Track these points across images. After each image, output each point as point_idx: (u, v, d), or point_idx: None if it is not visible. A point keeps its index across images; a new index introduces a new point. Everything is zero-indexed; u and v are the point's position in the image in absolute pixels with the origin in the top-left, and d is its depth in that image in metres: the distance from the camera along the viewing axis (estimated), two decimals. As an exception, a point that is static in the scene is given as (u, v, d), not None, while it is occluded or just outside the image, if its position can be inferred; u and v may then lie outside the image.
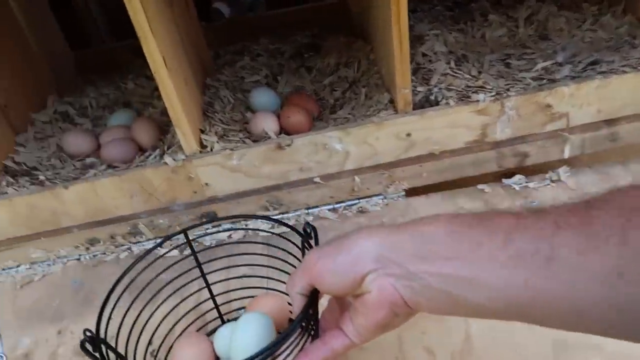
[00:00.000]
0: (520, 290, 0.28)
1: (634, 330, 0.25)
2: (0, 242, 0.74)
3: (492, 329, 0.53)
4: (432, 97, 0.68)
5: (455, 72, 0.71)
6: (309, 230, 0.49)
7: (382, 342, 0.54)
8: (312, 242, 0.49)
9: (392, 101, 0.70)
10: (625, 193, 0.26)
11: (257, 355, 0.39)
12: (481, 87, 0.67)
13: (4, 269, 0.77)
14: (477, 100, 0.66)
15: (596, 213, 0.26)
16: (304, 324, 0.44)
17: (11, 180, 0.73)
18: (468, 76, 0.70)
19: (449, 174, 0.73)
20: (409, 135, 0.68)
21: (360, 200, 0.75)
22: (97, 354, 0.42)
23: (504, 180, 0.74)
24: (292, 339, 0.43)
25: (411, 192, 0.75)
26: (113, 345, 0.50)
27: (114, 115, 0.88)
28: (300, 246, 0.51)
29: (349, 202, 0.75)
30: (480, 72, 0.71)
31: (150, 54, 0.58)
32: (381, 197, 0.75)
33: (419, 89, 0.70)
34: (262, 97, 0.79)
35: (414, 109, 0.67)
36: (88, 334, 0.43)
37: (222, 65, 0.93)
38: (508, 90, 0.67)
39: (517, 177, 0.73)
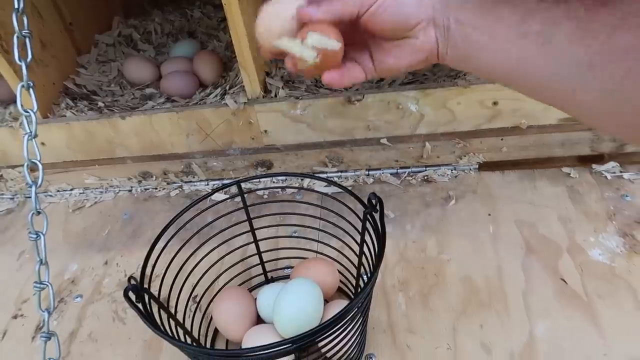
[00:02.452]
0: (515, 63, 0.32)
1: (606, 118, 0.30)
2: (56, 164, 0.74)
3: (560, 334, 0.48)
4: (530, 64, 0.59)
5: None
6: (374, 202, 0.44)
7: (435, 328, 0.50)
8: (377, 215, 0.44)
9: (481, 63, 0.62)
10: None
11: (306, 335, 0.36)
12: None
13: (58, 191, 0.78)
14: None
15: (603, 10, 0.27)
16: (358, 307, 0.40)
17: (70, 103, 0.72)
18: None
19: (533, 151, 0.65)
20: (495, 103, 0.60)
21: (428, 169, 0.68)
22: (139, 305, 0.40)
23: (595, 166, 0.65)
24: (346, 319, 0.39)
25: (485, 167, 0.68)
26: (157, 285, 0.49)
27: (177, 45, 0.84)
28: (361, 217, 0.47)
29: (415, 169, 0.69)
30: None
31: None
32: (451, 167, 0.68)
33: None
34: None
35: (506, 74, 0.59)
36: (132, 282, 0.41)
37: (295, 1, 0.86)
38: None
39: (611, 165, 0.65)
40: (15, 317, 0.60)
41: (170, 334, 0.44)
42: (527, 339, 0.48)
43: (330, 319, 0.37)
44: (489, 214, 0.62)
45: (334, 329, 0.38)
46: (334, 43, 0.34)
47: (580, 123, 0.62)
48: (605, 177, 0.64)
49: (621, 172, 0.64)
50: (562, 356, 0.47)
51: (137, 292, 0.41)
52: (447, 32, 0.35)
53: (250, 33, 0.59)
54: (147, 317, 0.40)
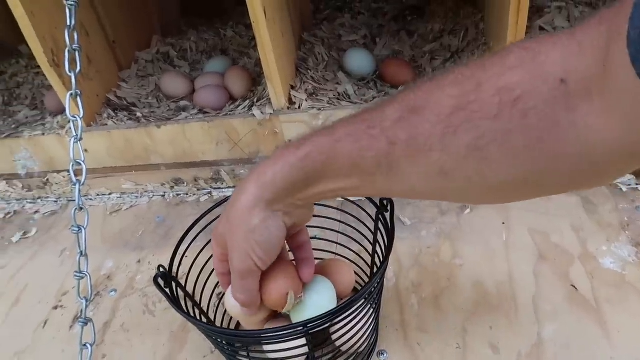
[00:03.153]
0: (374, 193, 0.36)
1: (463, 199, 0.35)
2: (97, 169, 0.80)
3: (568, 336, 0.49)
4: (543, 78, 0.61)
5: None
6: (385, 203, 0.47)
7: (446, 327, 0.52)
8: (387, 215, 0.47)
9: (495, 77, 0.64)
10: (442, 90, 0.28)
11: (318, 318, 0.39)
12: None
13: (98, 195, 0.84)
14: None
15: (419, 122, 0.29)
16: (367, 296, 0.43)
17: (112, 113, 0.78)
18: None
19: (548, 163, 0.67)
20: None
21: (445, 178, 0.71)
22: (167, 290, 0.44)
23: (611, 179, 0.66)
24: (354, 308, 0.42)
25: (501, 178, 0.69)
26: (183, 281, 0.53)
27: (210, 62, 0.89)
28: (374, 217, 0.50)
29: (432, 179, 0.71)
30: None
31: (252, 2, 0.57)
32: (467, 178, 0.70)
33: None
34: (357, 59, 0.77)
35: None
36: (162, 270, 0.45)
37: (321, 21, 0.91)
38: None
39: (627, 177, 0.66)
40: (55, 307, 0.65)
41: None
42: (535, 341, 0.50)
43: (341, 303, 0.40)
44: (503, 223, 0.64)
45: (345, 316, 0.41)
46: (295, 289, 0.43)
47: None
48: (621, 189, 0.65)
49: (637, 184, 0.65)
50: (569, 358, 0.48)
51: (166, 279, 0.45)
52: (306, 203, 0.38)
53: (277, 49, 0.63)
54: (174, 300, 0.44)
